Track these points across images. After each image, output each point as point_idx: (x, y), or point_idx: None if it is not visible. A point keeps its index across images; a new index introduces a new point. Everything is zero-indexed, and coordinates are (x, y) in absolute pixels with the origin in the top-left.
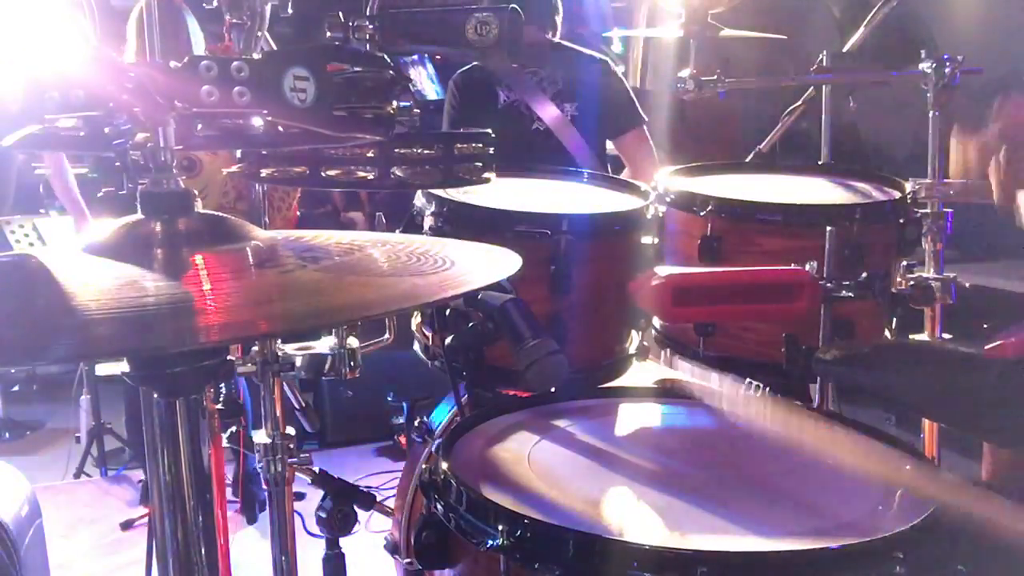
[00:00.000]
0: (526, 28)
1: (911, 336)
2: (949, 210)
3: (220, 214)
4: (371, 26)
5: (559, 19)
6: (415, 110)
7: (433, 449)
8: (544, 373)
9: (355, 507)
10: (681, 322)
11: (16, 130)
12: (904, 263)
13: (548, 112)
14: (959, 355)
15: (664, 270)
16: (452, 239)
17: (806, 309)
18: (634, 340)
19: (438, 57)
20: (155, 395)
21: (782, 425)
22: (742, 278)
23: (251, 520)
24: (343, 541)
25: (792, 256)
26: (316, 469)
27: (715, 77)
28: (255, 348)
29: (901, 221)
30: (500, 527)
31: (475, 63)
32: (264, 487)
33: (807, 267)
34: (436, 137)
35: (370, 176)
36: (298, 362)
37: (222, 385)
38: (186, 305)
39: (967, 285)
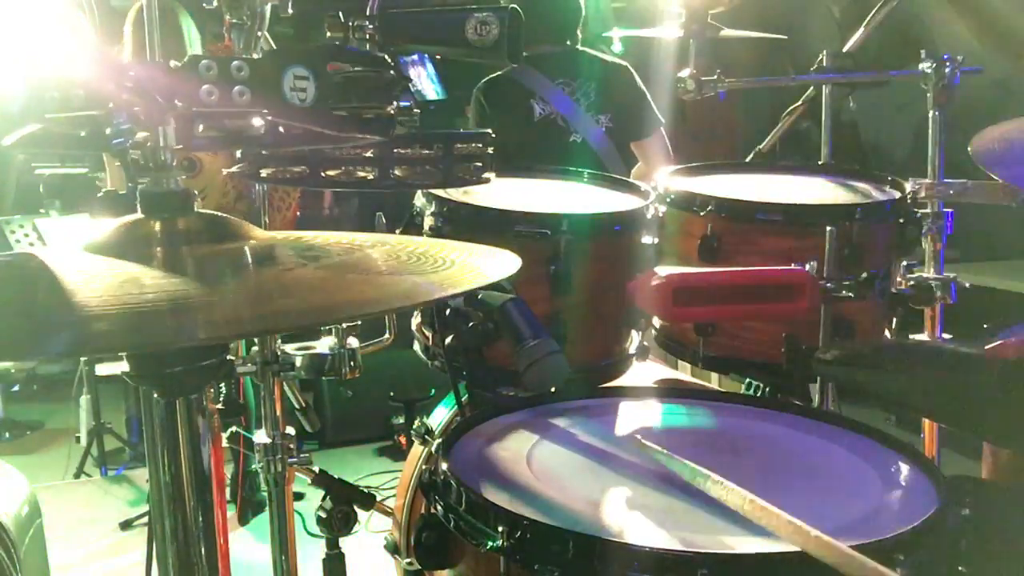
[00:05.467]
0: (549, 42)
1: (911, 336)
2: (949, 210)
3: (220, 214)
4: (371, 26)
5: (579, 28)
6: (415, 110)
7: (433, 449)
8: (544, 373)
9: (355, 507)
10: (681, 322)
11: (16, 130)
12: (904, 263)
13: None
14: (959, 355)
15: (664, 270)
16: (452, 239)
17: (806, 309)
18: (634, 340)
19: (438, 57)
20: (155, 395)
21: None
22: (742, 278)
23: (243, 522)
24: (343, 541)
25: (792, 256)
26: (316, 469)
27: (715, 77)
28: (255, 348)
29: (901, 221)
30: (500, 528)
31: (501, 73)
32: (264, 487)
33: (807, 267)
34: (436, 137)
35: (370, 176)
36: (298, 362)
37: (222, 385)
38: (185, 302)
39: (967, 285)
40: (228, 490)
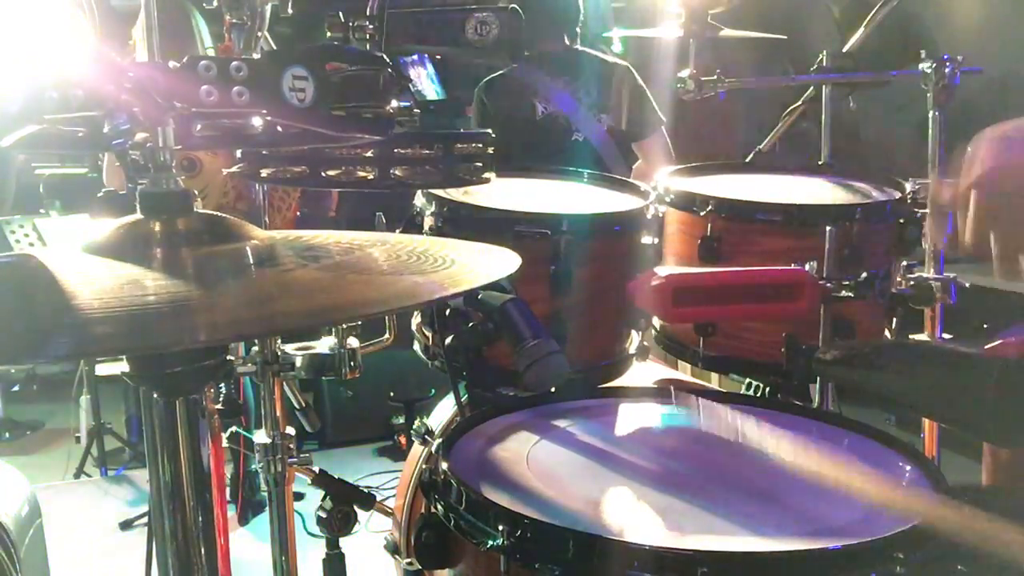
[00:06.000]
0: (550, 41)
1: (911, 336)
2: (949, 210)
3: (219, 214)
4: (371, 26)
5: (579, 27)
6: (415, 110)
7: (433, 449)
8: (544, 373)
9: (355, 507)
10: (681, 322)
11: (16, 130)
12: (904, 263)
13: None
14: (959, 355)
15: (664, 270)
16: (452, 239)
17: (806, 309)
18: (634, 340)
19: (438, 57)
20: (155, 395)
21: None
22: (742, 278)
23: (243, 522)
24: (343, 541)
25: (792, 256)
26: (316, 469)
27: (715, 77)
28: (255, 348)
29: (901, 221)
30: (500, 527)
31: (502, 72)
32: (264, 487)
33: (807, 267)
34: (436, 137)
35: (370, 176)
36: (298, 362)
37: (222, 385)
38: (186, 304)
39: (967, 285)
40: (228, 490)
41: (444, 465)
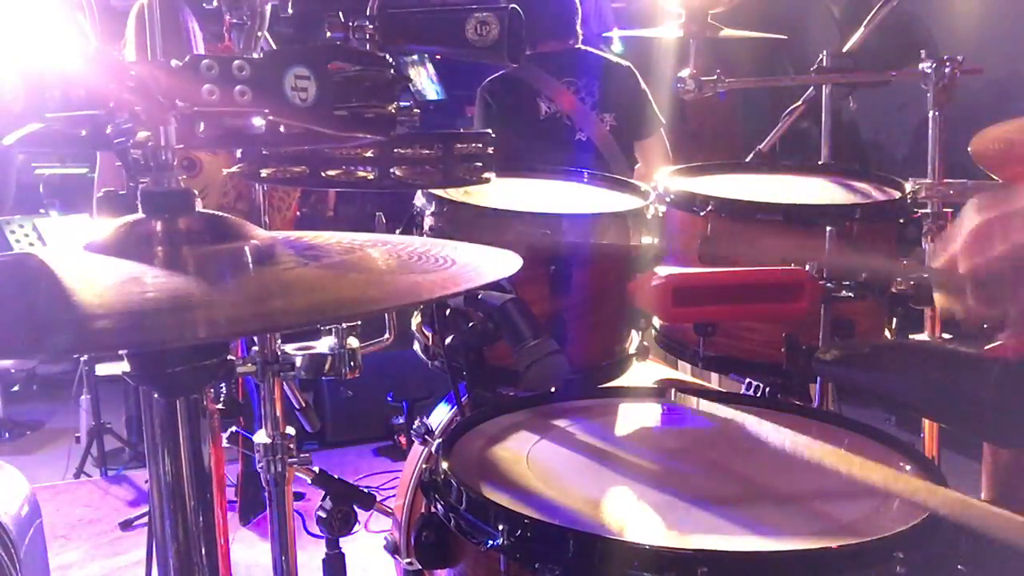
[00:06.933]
0: (552, 41)
1: (911, 336)
2: (949, 210)
3: (220, 213)
4: (371, 26)
5: (579, 26)
6: (415, 110)
7: (433, 449)
8: (544, 373)
9: (355, 507)
10: (681, 322)
11: (17, 129)
12: (904, 263)
13: (592, 126)
14: (959, 355)
15: (664, 270)
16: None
17: (806, 309)
18: (634, 340)
19: (438, 57)
20: (155, 395)
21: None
22: (742, 278)
23: (244, 522)
24: (343, 541)
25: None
26: (316, 469)
27: (715, 77)
28: (255, 348)
29: (901, 221)
30: (500, 527)
31: (506, 71)
32: (264, 487)
33: (807, 267)
34: (436, 137)
35: (370, 176)
36: (298, 362)
37: (222, 385)
38: (186, 301)
39: None
40: (231, 490)
41: (444, 465)
